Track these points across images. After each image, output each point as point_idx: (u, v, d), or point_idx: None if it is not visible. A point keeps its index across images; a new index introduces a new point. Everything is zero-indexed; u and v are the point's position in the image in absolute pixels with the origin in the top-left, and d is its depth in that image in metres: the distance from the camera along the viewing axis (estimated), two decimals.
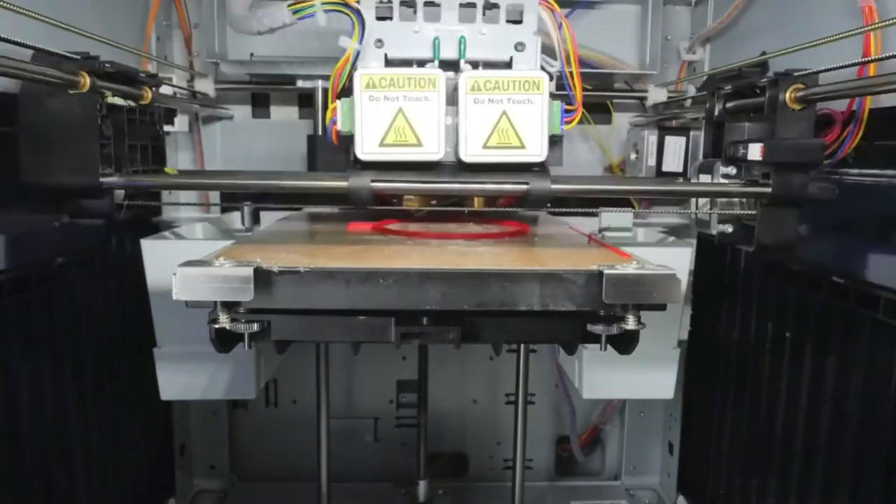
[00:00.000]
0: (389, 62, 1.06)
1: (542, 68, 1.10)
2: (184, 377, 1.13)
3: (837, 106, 1.02)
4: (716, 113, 1.14)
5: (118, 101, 1.04)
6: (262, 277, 0.69)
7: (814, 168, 0.97)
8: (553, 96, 0.97)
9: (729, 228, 1.11)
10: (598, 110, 1.67)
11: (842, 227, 1.05)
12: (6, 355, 0.99)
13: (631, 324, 0.73)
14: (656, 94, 1.57)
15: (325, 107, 1.58)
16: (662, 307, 0.71)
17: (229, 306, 0.71)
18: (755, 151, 0.97)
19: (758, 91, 1.01)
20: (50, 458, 1.10)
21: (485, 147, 0.93)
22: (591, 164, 1.70)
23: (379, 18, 1.06)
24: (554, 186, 0.95)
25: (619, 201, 1.39)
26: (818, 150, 0.96)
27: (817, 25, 1.15)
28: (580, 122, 1.66)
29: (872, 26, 0.92)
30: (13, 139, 0.96)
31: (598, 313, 0.75)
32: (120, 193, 1.14)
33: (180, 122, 1.47)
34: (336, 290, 0.71)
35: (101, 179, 0.98)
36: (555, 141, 1.02)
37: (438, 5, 1.06)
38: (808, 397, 1.12)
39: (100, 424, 1.24)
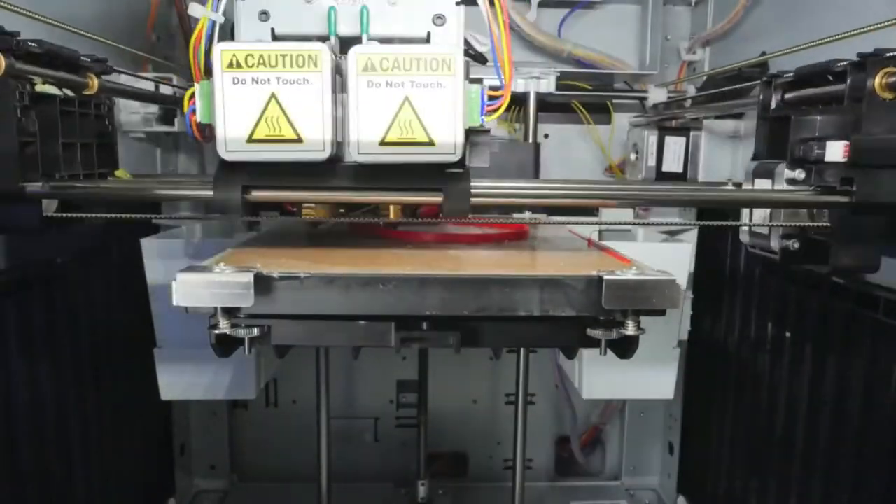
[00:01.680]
0: (277, 38, 0.84)
1: (469, 46, 0.92)
2: (184, 377, 1.13)
3: None
4: (773, 105, 0.94)
5: (49, 89, 0.83)
6: (263, 283, 0.69)
7: None
8: (474, 80, 0.78)
9: (795, 244, 0.90)
10: (598, 110, 1.67)
11: None
12: (6, 355, 0.98)
13: (630, 329, 0.72)
14: (656, 95, 1.56)
15: None
16: (662, 313, 0.71)
17: (230, 312, 0.71)
18: (837, 151, 0.78)
19: (831, 77, 0.83)
20: (50, 458, 1.10)
21: (382, 143, 0.74)
22: (591, 165, 1.70)
23: None
24: (475, 192, 0.78)
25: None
26: None
27: (817, 26, 1.15)
28: (581, 122, 1.67)
29: (872, 26, 0.91)
30: None
31: (598, 318, 0.74)
32: (53, 203, 0.89)
33: (180, 123, 1.46)
34: (336, 295, 0.71)
35: (22, 185, 0.77)
36: (476, 135, 0.83)
37: None
38: (808, 397, 1.12)
39: (100, 424, 1.24)
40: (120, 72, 1.18)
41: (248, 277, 0.68)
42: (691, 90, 1.55)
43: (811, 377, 1.11)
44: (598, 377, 1.17)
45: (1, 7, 0.78)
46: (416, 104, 0.74)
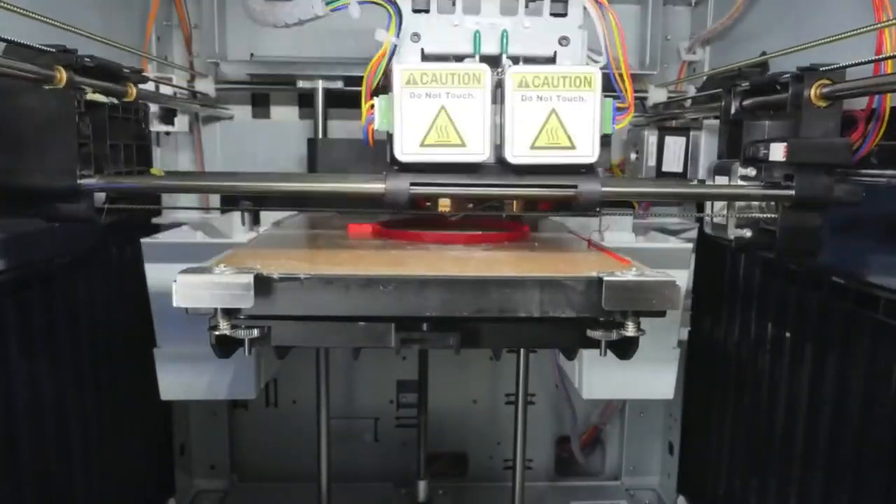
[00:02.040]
0: (426, 57, 1.00)
1: (589, 63, 1.03)
2: (184, 377, 1.13)
3: (856, 104, 0.98)
4: (732, 111, 1.07)
5: (99, 97, 0.96)
6: (263, 284, 0.69)
7: (840, 168, 0.91)
8: (607, 95, 0.89)
9: (748, 233, 1.02)
10: None
11: (863, 230, 1.02)
12: (6, 355, 0.99)
13: (630, 330, 0.73)
14: (656, 95, 1.56)
15: (326, 107, 1.58)
16: (662, 314, 0.71)
17: (230, 313, 0.71)
18: (778, 151, 0.91)
19: (778, 87, 0.95)
20: (50, 458, 1.10)
21: (532, 147, 0.86)
22: None
23: (415, 11, 0.99)
24: (605, 189, 0.89)
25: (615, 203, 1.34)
26: (846, 150, 0.89)
27: (817, 26, 1.15)
28: None
29: (875, 25, 0.91)
30: None
31: (598, 319, 0.75)
32: (102, 196, 1.02)
33: (180, 123, 1.47)
34: (336, 296, 0.71)
35: (79, 181, 0.89)
36: (605, 141, 0.94)
37: None
38: (808, 397, 1.12)
39: (100, 424, 1.24)
40: (172, 86, 1.31)
41: (248, 278, 0.68)
42: (691, 90, 1.55)
43: (811, 377, 1.11)
44: (598, 377, 1.17)
45: (2, 7, 0.78)
46: (562, 115, 0.86)
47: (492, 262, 0.87)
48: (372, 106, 0.88)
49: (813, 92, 0.89)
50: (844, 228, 1.03)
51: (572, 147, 0.86)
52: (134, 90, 1.04)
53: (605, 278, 0.70)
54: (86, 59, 0.90)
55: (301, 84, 1.56)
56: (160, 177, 1.11)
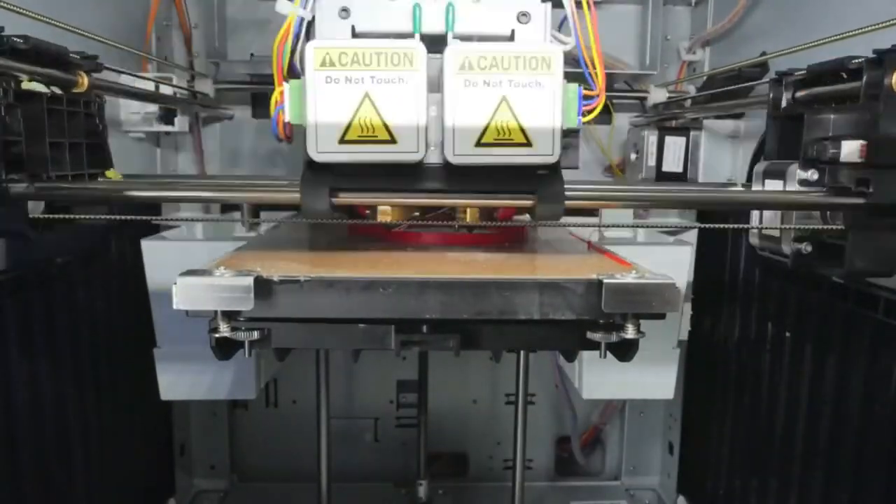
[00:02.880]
0: (357, 37, 0.82)
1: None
2: (184, 377, 1.13)
3: None
4: (783, 104, 0.91)
5: (36, 86, 0.81)
6: (263, 287, 0.69)
7: None
8: (567, 78, 0.76)
9: (808, 247, 0.87)
10: None
11: None
12: (6, 355, 0.98)
13: (630, 333, 0.72)
14: (656, 95, 1.56)
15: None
16: (662, 316, 0.71)
17: (230, 315, 0.71)
18: (853, 150, 0.76)
19: (845, 75, 0.81)
20: (50, 459, 1.10)
21: (478, 144, 0.72)
22: (591, 165, 1.70)
23: None
24: (570, 196, 0.76)
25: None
26: None
27: (818, 26, 1.15)
28: None
29: (872, 26, 0.91)
30: None
31: (598, 321, 0.74)
32: (40, 205, 0.87)
33: (180, 123, 1.47)
34: (336, 298, 0.71)
35: (6, 186, 0.75)
36: (569, 137, 0.81)
37: None
38: (808, 397, 1.12)
39: (100, 424, 1.24)
40: (119, 71, 1.19)
41: (248, 281, 0.68)
42: (691, 90, 1.55)
43: (811, 377, 1.11)
44: (598, 377, 1.17)
45: (1, 7, 0.78)
46: (514, 104, 0.72)
47: (492, 264, 0.87)
48: (282, 93, 0.75)
49: (895, 78, 0.74)
50: None
51: (528, 144, 0.72)
52: (85, 79, 0.89)
53: (605, 281, 0.70)
54: (16, 39, 0.76)
55: None
56: (110, 181, 0.96)
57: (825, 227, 0.83)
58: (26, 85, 0.79)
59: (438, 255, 0.91)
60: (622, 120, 1.66)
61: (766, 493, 1.25)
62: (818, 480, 1.09)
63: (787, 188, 0.86)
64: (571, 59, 0.75)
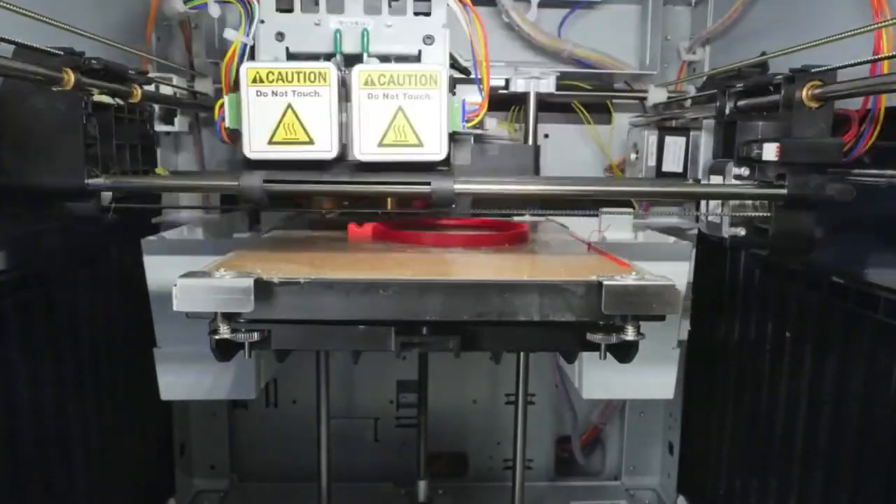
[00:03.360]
0: (292, 56, 1.02)
1: (455, 62, 1.08)
2: (184, 377, 1.13)
3: (852, 104, 0.99)
4: (726, 112, 1.09)
5: (105, 99, 0.98)
6: (263, 288, 0.69)
7: (831, 168, 0.93)
8: (465, 85, 0.95)
9: (742, 232, 1.05)
10: (598, 110, 1.67)
11: (855, 229, 1.03)
12: (6, 356, 0.99)
13: (630, 334, 0.73)
14: (656, 94, 1.56)
15: None
16: (662, 318, 0.71)
17: (230, 317, 0.71)
18: (770, 151, 0.93)
19: (771, 88, 0.97)
20: (50, 459, 1.10)
21: (380, 145, 0.88)
22: (592, 165, 1.70)
23: (280, 10, 1.01)
24: (457, 186, 0.90)
25: (615, 203, 1.32)
26: (836, 150, 0.91)
27: (817, 26, 1.15)
28: (580, 122, 1.67)
29: (876, 25, 0.91)
30: None
31: (598, 323, 0.74)
32: (108, 196, 1.05)
33: (180, 123, 1.47)
34: (336, 300, 0.71)
35: (87, 181, 0.92)
36: (459, 139, 1.01)
37: None
38: (808, 397, 1.12)
39: (100, 424, 1.24)
40: (172, 86, 1.33)
41: (248, 283, 0.68)
42: (691, 90, 1.55)
43: (811, 377, 1.11)
44: (598, 377, 1.17)
45: (2, 7, 0.78)
46: (409, 112, 0.87)
47: (492, 266, 0.87)
48: (222, 105, 0.92)
49: (804, 93, 0.91)
50: (842, 229, 1.03)
51: (420, 144, 0.88)
52: (139, 91, 1.06)
53: (605, 283, 0.70)
54: (93, 61, 0.92)
55: None
56: (165, 176, 1.15)
57: (755, 214, 1.01)
58: (97, 98, 0.95)
59: (438, 257, 0.91)
60: (622, 120, 1.66)
61: (766, 493, 1.25)
62: (818, 480, 1.09)
63: (726, 182, 1.04)
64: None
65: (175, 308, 0.68)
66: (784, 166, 0.92)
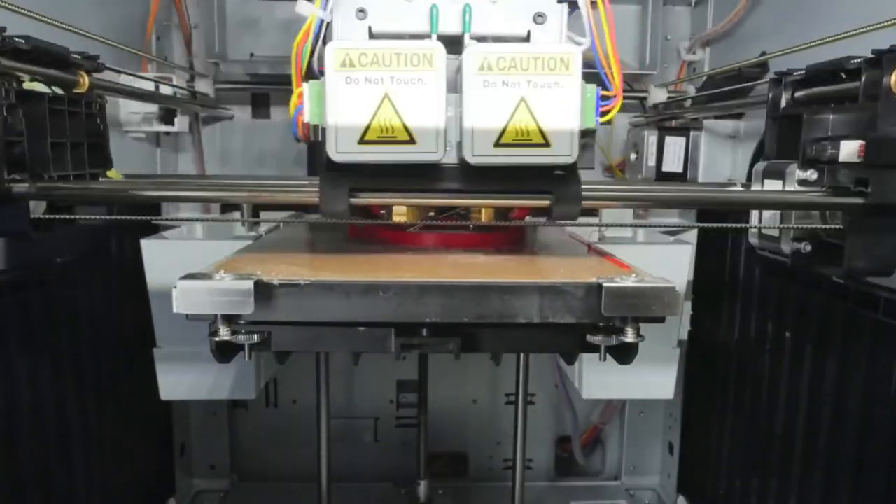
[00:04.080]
0: (375, 38, 0.84)
1: None
2: (184, 377, 1.13)
3: None
4: (783, 104, 0.92)
5: (38, 87, 0.82)
6: (263, 290, 0.69)
7: None
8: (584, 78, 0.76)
9: (807, 247, 0.87)
10: None
11: None
12: (6, 355, 0.98)
13: (630, 336, 0.72)
14: (656, 95, 1.56)
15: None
16: (661, 320, 0.71)
17: (230, 319, 0.70)
18: (851, 150, 0.77)
19: (844, 75, 0.81)
20: (50, 459, 1.10)
21: (497, 145, 0.73)
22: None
23: None
24: (587, 196, 0.77)
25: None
26: None
27: (817, 26, 1.15)
28: None
29: (873, 26, 0.91)
30: None
31: (598, 324, 0.74)
32: (41, 205, 0.86)
33: (180, 123, 1.47)
34: (336, 302, 0.70)
35: (8, 185, 0.75)
36: (586, 137, 0.85)
37: None
38: (808, 397, 1.12)
39: (100, 424, 1.24)
40: (119, 71, 1.20)
41: (248, 285, 0.68)
42: (691, 90, 1.55)
43: (811, 377, 1.11)
44: (598, 377, 1.17)
45: (1, 6, 0.78)
46: (533, 104, 0.72)
47: (492, 267, 0.87)
48: (301, 94, 0.75)
49: (894, 79, 0.74)
50: None
51: (546, 144, 0.73)
52: (86, 80, 0.90)
53: (605, 284, 0.69)
54: (17, 39, 0.77)
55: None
56: (111, 181, 0.96)
57: (824, 226, 0.84)
58: (28, 85, 0.79)
59: (438, 258, 0.90)
60: (622, 120, 1.65)
61: (766, 493, 1.25)
62: (818, 480, 1.09)
63: (787, 188, 0.86)
64: (585, 60, 0.76)
65: (175, 310, 0.68)
66: (867, 168, 0.76)
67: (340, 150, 0.73)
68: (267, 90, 1.65)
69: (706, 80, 1.50)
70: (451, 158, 0.76)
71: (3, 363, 0.98)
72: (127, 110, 1.37)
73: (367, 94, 0.71)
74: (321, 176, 0.76)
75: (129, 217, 0.95)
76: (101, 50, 1.01)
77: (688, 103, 1.50)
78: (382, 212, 0.87)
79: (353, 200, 0.76)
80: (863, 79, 0.76)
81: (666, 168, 1.48)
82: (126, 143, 1.40)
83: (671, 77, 1.64)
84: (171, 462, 1.67)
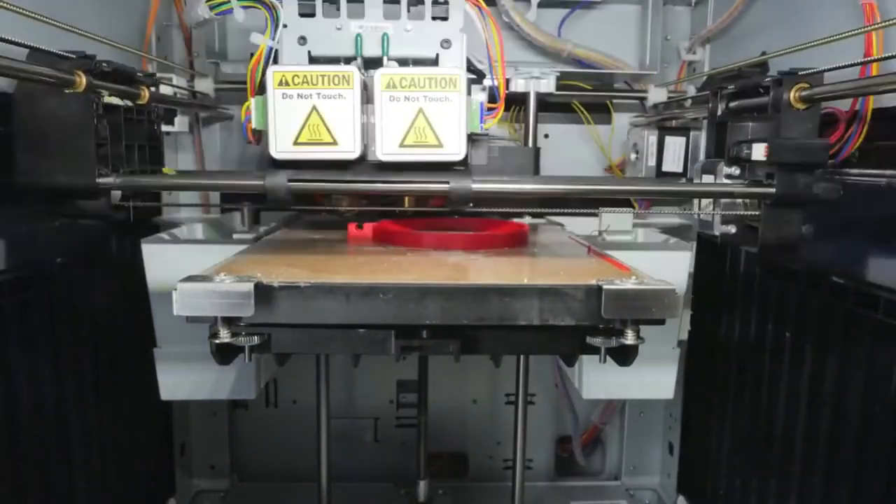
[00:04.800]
0: (314, 59, 1.06)
1: (472, 65, 1.12)
2: (184, 377, 1.13)
3: (842, 105, 1.01)
4: (718, 112, 1.13)
5: (115, 100, 1.03)
6: (263, 293, 0.69)
7: (818, 168, 0.96)
8: (478, 89, 0.99)
9: (732, 229, 1.09)
10: (598, 110, 1.67)
11: (844, 228, 1.04)
12: (6, 355, 0.99)
13: (630, 338, 0.72)
14: (656, 94, 1.56)
15: None
16: (661, 322, 0.71)
17: (230, 321, 0.71)
18: (759, 151, 0.96)
19: (761, 91, 1.00)
20: (50, 459, 1.10)
21: (401, 146, 0.91)
22: (592, 165, 1.70)
23: (302, 15, 1.05)
24: (476, 186, 0.93)
25: (613, 202, 1.34)
26: (823, 150, 0.94)
27: (817, 26, 1.15)
28: (581, 122, 1.67)
29: (873, 26, 0.92)
30: (9, 139, 0.95)
31: (598, 327, 0.74)
32: (118, 194, 1.10)
33: (180, 123, 1.47)
34: (336, 304, 0.71)
35: (98, 180, 0.96)
36: (477, 139, 1.03)
37: (362, 1, 1.05)
38: (808, 397, 1.12)
39: (100, 424, 1.24)
40: (172, 86, 1.34)
41: (249, 287, 0.68)
42: (691, 90, 1.55)
43: (811, 377, 1.11)
44: (598, 377, 1.17)
45: (2, 7, 0.79)
46: (429, 114, 0.90)
47: (491, 269, 0.87)
48: (249, 107, 0.95)
49: (792, 95, 0.94)
50: (830, 227, 1.04)
51: (440, 145, 0.91)
52: (146, 93, 1.09)
53: (605, 287, 0.70)
54: (103, 63, 0.96)
55: None
56: (172, 175, 1.18)
57: (745, 213, 1.05)
58: (107, 99, 0.99)
59: (438, 260, 0.91)
60: (622, 120, 1.66)
61: (766, 493, 1.25)
62: (818, 480, 1.09)
63: (717, 181, 1.08)
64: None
65: (176, 313, 0.68)
66: (773, 166, 0.95)
67: (279, 149, 0.91)
68: None
69: (706, 80, 1.50)
70: (371, 156, 0.94)
71: (4, 363, 0.98)
72: None
73: (300, 106, 0.90)
74: (267, 170, 0.93)
75: (184, 204, 1.29)
76: (101, 50, 1.01)
77: (688, 103, 1.50)
78: (324, 199, 1.08)
79: (291, 185, 0.92)
80: (771, 94, 0.96)
81: (666, 168, 1.48)
82: None
83: (671, 77, 1.64)
84: (171, 462, 1.67)
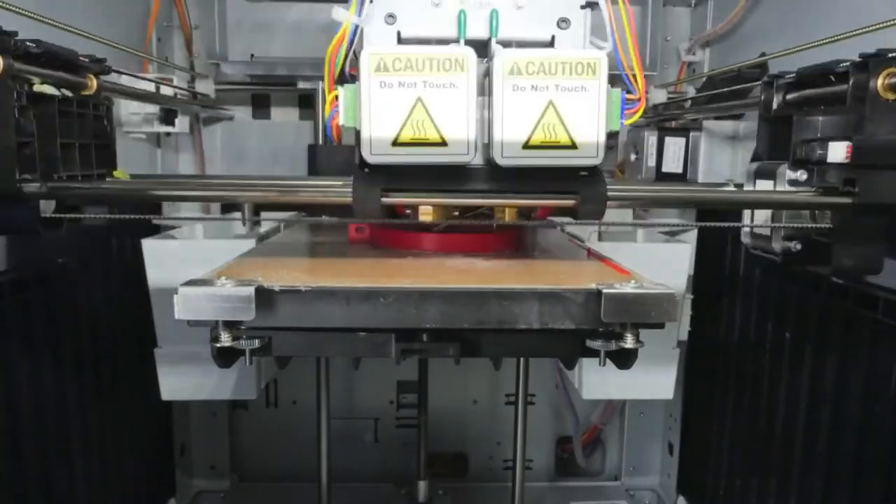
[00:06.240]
0: (403, 42, 0.87)
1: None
2: (184, 377, 1.13)
3: None
4: (774, 106, 0.93)
5: (48, 89, 0.83)
6: (264, 296, 0.69)
7: None
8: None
9: (797, 246, 0.90)
10: None
11: None
12: (7, 355, 0.99)
13: (629, 342, 0.72)
14: (656, 95, 1.56)
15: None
16: (661, 326, 0.70)
17: (231, 325, 0.71)
18: (838, 152, 0.78)
19: (833, 78, 0.82)
20: (50, 459, 1.10)
21: (525, 147, 0.74)
22: None
23: None
24: (612, 195, 0.79)
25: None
26: None
27: (818, 26, 1.15)
28: None
29: (873, 26, 0.91)
30: None
31: (597, 330, 0.74)
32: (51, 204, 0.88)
33: (181, 123, 1.47)
34: (337, 308, 0.70)
35: (20, 185, 0.76)
36: (611, 139, 0.87)
37: None
38: (808, 397, 1.12)
39: (100, 425, 1.25)
40: (120, 72, 1.19)
41: (249, 291, 0.68)
42: (691, 91, 1.55)
43: (811, 377, 1.11)
44: (598, 377, 1.17)
45: (1, 7, 0.78)
46: (561, 108, 0.74)
47: (492, 273, 0.87)
48: (336, 97, 0.77)
49: (880, 82, 0.75)
50: None
51: (573, 146, 0.74)
52: (94, 82, 0.91)
53: (604, 291, 0.69)
54: (29, 43, 0.77)
55: (301, 85, 1.56)
56: (119, 181, 0.97)
57: (814, 225, 0.85)
58: (38, 87, 0.80)
59: (438, 263, 0.90)
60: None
61: (766, 493, 1.25)
62: (818, 480, 1.09)
63: (777, 188, 0.88)
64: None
65: (176, 317, 0.67)
66: (854, 169, 0.78)
67: (375, 151, 0.74)
68: (267, 91, 1.65)
69: (706, 81, 1.50)
70: (478, 160, 0.78)
71: (4, 363, 0.98)
72: (127, 111, 1.37)
73: (401, 98, 0.73)
74: (355, 176, 0.78)
75: (131, 216, 0.97)
76: (102, 51, 1.01)
77: (687, 104, 1.51)
78: (408, 212, 0.88)
79: (385, 200, 0.77)
80: (850, 82, 0.78)
81: (666, 168, 1.48)
82: (127, 143, 1.40)
83: (671, 78, 1.64)
84: (171, 462, 1.67)
